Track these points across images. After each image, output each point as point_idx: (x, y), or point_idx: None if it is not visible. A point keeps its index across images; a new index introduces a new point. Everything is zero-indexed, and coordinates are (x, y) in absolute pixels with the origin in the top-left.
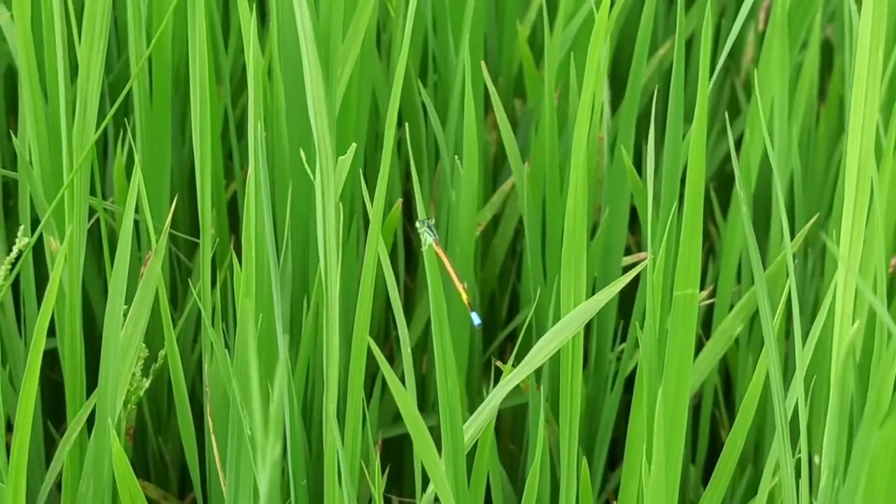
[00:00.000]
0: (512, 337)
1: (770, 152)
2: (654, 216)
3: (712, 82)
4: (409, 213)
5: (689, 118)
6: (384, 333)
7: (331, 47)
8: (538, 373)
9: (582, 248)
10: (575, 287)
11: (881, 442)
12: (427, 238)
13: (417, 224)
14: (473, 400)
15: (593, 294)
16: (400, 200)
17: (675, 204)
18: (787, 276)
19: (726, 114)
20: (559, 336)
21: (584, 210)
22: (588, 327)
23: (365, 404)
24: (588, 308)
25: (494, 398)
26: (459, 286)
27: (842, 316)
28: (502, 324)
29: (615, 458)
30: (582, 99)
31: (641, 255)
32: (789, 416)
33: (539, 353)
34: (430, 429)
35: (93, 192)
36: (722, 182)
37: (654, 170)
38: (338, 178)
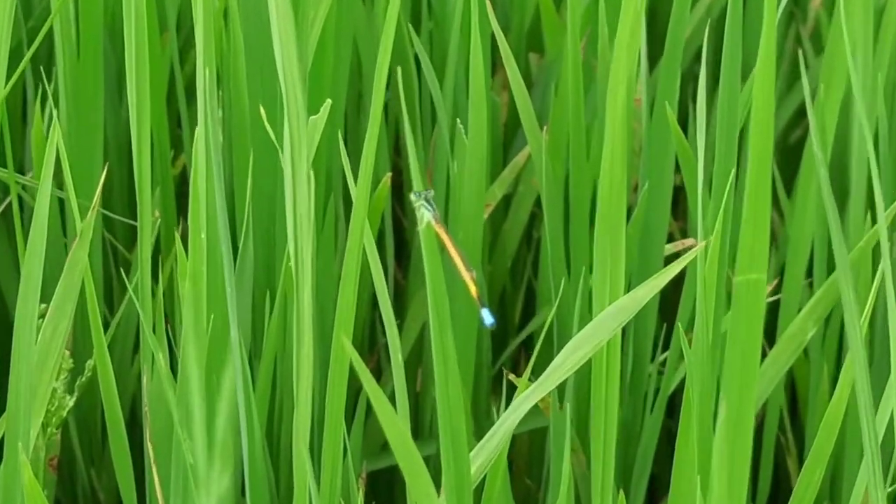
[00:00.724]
0: (528, 343)
1: (860, 105)
2: (706, 192)
3: None
4: (398, 190)
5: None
6: (370, 340)
7: None
8: (561, 389)
9: (620, 230)
10: (611, 280)
11: None
12: (425, 214)
13: (412, 196)
14: (480, 422)
15: (629, 290)
16: (388, 175)
17: (733, 175)
18: (879, 262)
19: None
20: (589, 342)
21: (623, 181)
22: (622, 334)
23: (345, 430)
24: (625, 306)
25: (507, 421)
26: (466, 276)
27: None
28: (516, 327)
29: (655, 495)
30: (618, 40)
31: (688, 241)
32: (880, 438)
33: (563, 365)
34: (427, 459)
35: (5, 165)
36: (784, 154)
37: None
38: (310, 142)
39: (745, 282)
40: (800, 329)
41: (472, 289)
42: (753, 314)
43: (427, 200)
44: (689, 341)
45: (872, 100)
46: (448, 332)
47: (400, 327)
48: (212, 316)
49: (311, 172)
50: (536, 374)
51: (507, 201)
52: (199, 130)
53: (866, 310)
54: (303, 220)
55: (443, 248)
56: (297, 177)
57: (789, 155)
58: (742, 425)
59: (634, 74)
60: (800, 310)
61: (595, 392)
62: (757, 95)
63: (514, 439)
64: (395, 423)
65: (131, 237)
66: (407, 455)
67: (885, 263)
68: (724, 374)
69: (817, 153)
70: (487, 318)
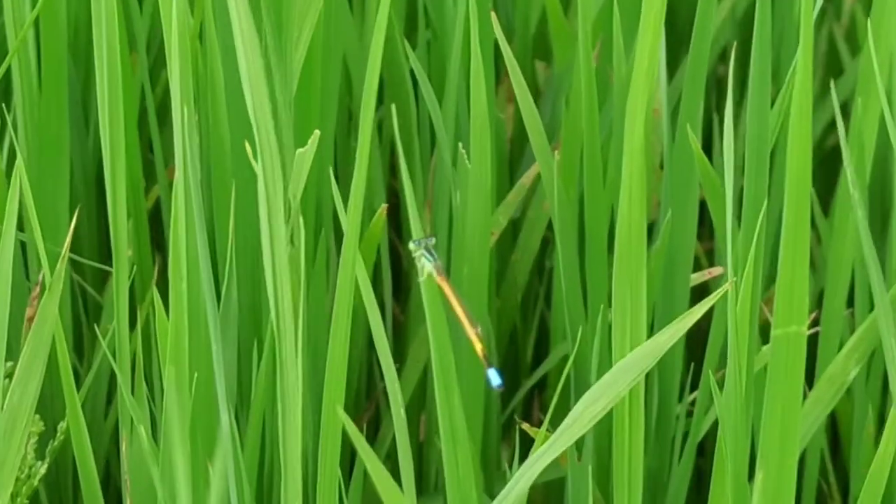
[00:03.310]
0: (541, 386)
1: (890, 123)
2: (734, 219)
3: None
4: (395, 220)
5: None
6: (367, 384)
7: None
8: (580, 438)
9: (641, 269)
10: (632, 322)
11: None
12: (425, 265)
13: (411, 246)
14: (490, 475)
15: (652, 328)
16: (384, 206)
17: (765, 202)
18: None
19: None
20: (608, 392)
21: (643, 215)
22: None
23: (343, 488)
24: (648, 352)
25: (522, 479)
26: (471, 332)
27: None
28: (528, 367)
29: None
30: (638, 58)
31: (715, 270)
32: None
33: (581, 417)
34: None
35: None
36: (821, 163)
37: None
38: (297, 177)
39: (785, 335)
40: (842, 369)
41: (478, 347)
42: (793, 370)
43: (427, 250)
44: (720, 383)
45: None
46: (456, 397)
47: (400, 370)
48: (195, 375)
49: (299, 208)
50: (552, 421)
51: (515, 227)
52: (177, 171)
53: None
54: (281, 266)
55: (445, 301)
56: (273, 218)
57: (826, 164)
58: (782, 492)
59: (653, 85)
60: (841, 344)
61: (617, 444)
62: (796, 113)
63: (529, 490)
64: (392, 493)
65: (101, 276)
66: None
67: None
68: (761, 435)
69: (851, 185)
70: (494, 379)
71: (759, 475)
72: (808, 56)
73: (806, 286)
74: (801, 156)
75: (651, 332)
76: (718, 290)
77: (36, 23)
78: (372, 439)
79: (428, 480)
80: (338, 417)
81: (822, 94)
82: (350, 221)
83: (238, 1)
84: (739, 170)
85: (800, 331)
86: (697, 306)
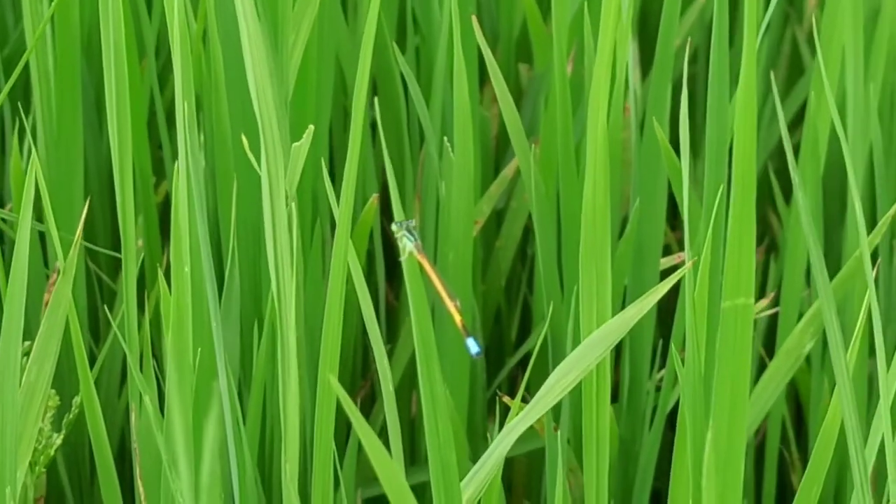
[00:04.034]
0: (525, 362)
1: (837, 122)
2: (697, 206)
3: (762, 32)
4: (387, 209)
5: (736, 81)
6: (363, 365)
7: (279, 3)
8: (556, 409)
9: (605, 250)
10: (597, 300)
11: None
12: (406, 245)
13: (394, 227)
14: (477, 445)
15: (624, 307)
16: (375, 196)
17: (722, 189)
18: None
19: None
20: (579, 365)
21: (606, 200)
22: (619, 349)
23: (337, 460)
24: (615, 328)
25: (499, 447)
26: (450, 305)
27: None
28: (512, 346)
29: None
30: (599, 56)
31: (683, 255)
32: (870, 466)
33: (554, 388)
34: (425, 485)
35: None
36: (785, 161)
37: (695, 147)
38: (293, 168)
39: (733, 307)
40: (798, 342)
41: (457, 318)
42: (741, 338)
43: (408, 230)
44: (684, 359)
45: (864, 114)
46: (435, 365)
47: (393, 350)
48: (199, 350)
49: (295, 199)
50: (530, 394)
51: (499, 217)
52: (180, 164)
53: (858, 327)
54: (284, 251)
55: (426, 277)
56: (276, 206)
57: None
58: (732, 453)
59: (623, 85)
60: (799, 320)
61: (586, 413)
62: (741, 113)
63: (513, 461)
64: (385, 463)
65: (114, 265)
66: (399, 495)
67: (871, 292)
68: (713, 401)
69: (794, 178)
70: (473, 347)
71: (709, 435)
72: (751, 57)
73: (752, 262)
74: (745, 148)
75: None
76: (679, 270)
77: (51, 27)
78: (367, 415)
79: (419, 453)
80: (332, 387)
81: (787, 92)
82: (342, 211)
83: (246, 8)
84: (703, 159)
85: (747, 302)
86: (663, 283)
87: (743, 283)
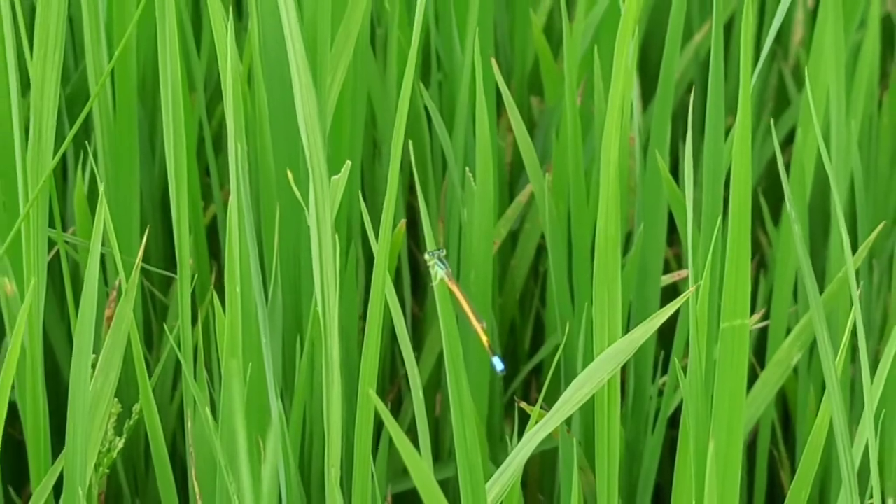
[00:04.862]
0: (537, 370)
1: (824, 152)
2: (696, 230)
3: (757, 71)
4: (413, 231)
5: (731, 112)
6: (391, 371)
7: (318, 48)
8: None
9: (616, 275)
10: (609, 320)
11: None
12: (438, 272)
13: (426, 256)
14: (495, 445)
15: (629, 322)
16: (403, 221)
17: (720, 215)
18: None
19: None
20: (592, 380)
21: (617, 230)
22: None
23: (372, 461)
24: (624, 347)
25: (521, 452)
26: (478, 327)
27: None
28: (526, 355)
29: None
30: (611, 96)
31: (683, 272)
32: (856, 463)
33: (570, 400)
34: (449, 480)
35: (51, 224)
36: (772, 183)
37: (694, 175)
38: (333, 199)
39: (730, 328)
40: (787, 354)
41: (484, 339)
42: (738, 358)
43: (440, 259)
44: (684, 368)
45: (846, 145)
46: (463, 379)
47: (419, 357)
48: (249, 366)
49: (334, 225)
50: (546, 399)
51: (514, 239)
52: (232, 198)
53: (844, 341)
54: (329, 274)
55: (455, 301)
56: (323, 238)
57: (777, 184)
58: (731, 462)
59: (628, 117)
60: (787, 333)
61: (599, 420)
62: (737, 148)
63: (528, 458)
64: (416, 462)
65: (166, 280)
66: (428, 490)
67: (856, 308)
68: (713, 411)
69: (789, 207)
70: (498, 365)
71: (711, 445)
72: (746, 90)
73: (747, 288)
74: (742, 180)
75: (627, 325)
76: (683, 294)
77: (112, 72)
78: (395, 416)
79: (443, 449)
80: (370, 398)
81: (775, 122)
82: (381, 243)
83: (297, 55)
84: (701, 187)
85: (743, 323)
86: (666, 307)
87: (739, 306)
